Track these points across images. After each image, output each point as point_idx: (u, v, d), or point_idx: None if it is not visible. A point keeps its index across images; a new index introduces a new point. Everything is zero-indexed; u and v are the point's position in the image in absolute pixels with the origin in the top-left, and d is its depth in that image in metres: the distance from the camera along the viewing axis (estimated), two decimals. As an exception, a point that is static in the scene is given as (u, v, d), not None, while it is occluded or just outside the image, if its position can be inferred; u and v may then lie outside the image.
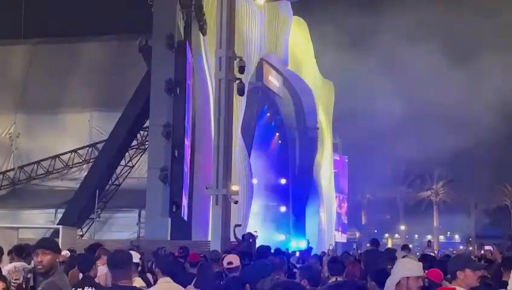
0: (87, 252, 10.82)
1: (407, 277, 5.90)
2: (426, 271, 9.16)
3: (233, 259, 8.64)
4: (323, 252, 26.16)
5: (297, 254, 23.48)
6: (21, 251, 10.50)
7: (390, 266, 8.64)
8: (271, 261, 10.07)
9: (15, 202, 28.05)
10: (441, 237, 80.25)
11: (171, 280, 7.43)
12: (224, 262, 8.74)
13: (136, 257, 8.30)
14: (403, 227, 79.96)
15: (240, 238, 21.81)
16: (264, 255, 12.26)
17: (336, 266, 8.27)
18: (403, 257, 11.44)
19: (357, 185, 71.62)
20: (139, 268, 9.75)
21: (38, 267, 6.09)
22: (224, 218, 21.49)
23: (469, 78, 60.72)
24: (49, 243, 6.28)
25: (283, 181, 44.44)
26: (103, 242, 14.93)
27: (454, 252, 34.31)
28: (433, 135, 66.49)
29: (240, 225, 24.13)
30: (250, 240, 21.04)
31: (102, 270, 8.40)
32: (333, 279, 8.02)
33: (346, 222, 59.59)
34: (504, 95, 57.72)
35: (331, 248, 33.27)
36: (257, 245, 22.28)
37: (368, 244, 16.96)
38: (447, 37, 64.05)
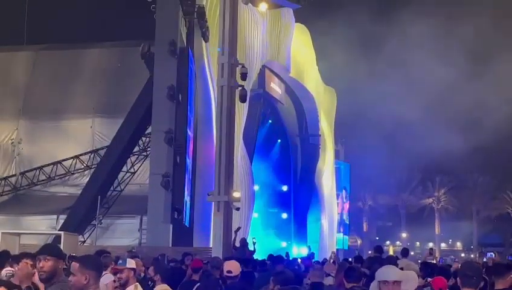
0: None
1: (383, 281, 6.06)
2: (429, 279, 9.17)
3: (233, 267, 8.56)
4: (325, 259, 26.10)
5: (299, 260, 23.40)
6: (7, 257, 10.43)
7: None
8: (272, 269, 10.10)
9: (17, 208, 28.08)
10: (443, 245, 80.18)
11: (169, 287, 7.42)
12: (224, 269, 8.70)
13: (131, 263, 8.31)
14: (404, 234, 79.87)
15: (237, 244, 21.80)
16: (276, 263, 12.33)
17: (352, 273, 8.28)
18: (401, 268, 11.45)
19: (359, 192, 71.66)
20: (142, 275, 9.76)
21: (40, 273, 6.08)
22: (225, 224, 21.48)
23: (471, 84, 60.75)
24: (51, 249, 6.22)
25: (284, 188, 44.40)
26: (105, 248, 14.93)
27: (457, 260, 34.22)
28: (434, 142, 66.44)
29: (239, 228, 24.06)
30: (244, 246, 21.07)
31: (109, 278, 8.33)
32: (349, 286, 8.03)
33: (348, 222, 59.25)
34: (507, 101, 57.73)
35: (333, 256, 33.14)
36: (256, 252, 22.36)
37: (370, 251, 17.03)
38: (448, 45, 64.12)
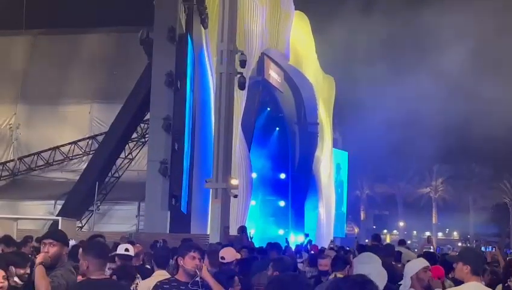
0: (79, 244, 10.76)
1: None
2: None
3: (226, 254, 8.51)
4: (324, 248, 26.13)
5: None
6: (10, 241, 10.39)
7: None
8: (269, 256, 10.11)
9: (14, 193, 28.04)
10: (440, 234, 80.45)
11: (167, 273, 7.42)
12: (219, 256, 8.68)
13: (121, 249, 8.41)
14: (401, 223, 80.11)
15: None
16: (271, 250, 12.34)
17: (336, 262, 8.25)
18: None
19: (356, 181, 71.75)
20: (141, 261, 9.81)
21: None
22: (223, 212, 21.53)
23: (470, 74, 60.68)
24: (57, 235, 6.21)
25: (282, 176, 44.42)
26: (102, 234, 14.92)
27: (455, 249, 34.31)
28: (432, 132, 66.51)
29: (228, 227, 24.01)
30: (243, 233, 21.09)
31: None
32: (333, 275, 8.00)
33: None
34: (506, 91, 57.70)
35: (332, 245, 33.22)
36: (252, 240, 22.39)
37: (367, 240, 17.05)
38: (452, 32, 63.97)
